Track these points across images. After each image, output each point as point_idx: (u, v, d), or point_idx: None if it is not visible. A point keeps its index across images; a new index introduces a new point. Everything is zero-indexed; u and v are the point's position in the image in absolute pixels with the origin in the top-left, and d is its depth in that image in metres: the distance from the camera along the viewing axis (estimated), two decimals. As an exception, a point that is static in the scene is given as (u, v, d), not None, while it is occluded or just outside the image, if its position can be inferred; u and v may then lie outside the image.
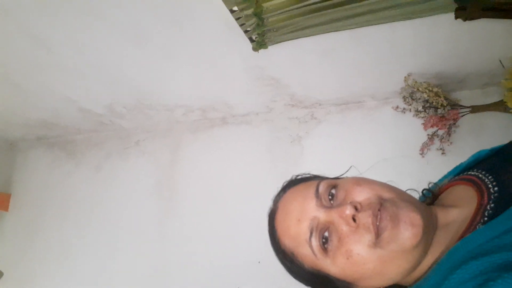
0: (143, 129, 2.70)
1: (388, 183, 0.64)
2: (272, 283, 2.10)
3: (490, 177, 0.63)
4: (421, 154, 2.02)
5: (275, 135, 2.37)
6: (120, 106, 2.46)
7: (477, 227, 0.56)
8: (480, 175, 0.65)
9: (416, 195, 0.73)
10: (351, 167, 0.78)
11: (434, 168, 1.96)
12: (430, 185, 0.76)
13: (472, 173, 0.68)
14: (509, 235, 0.52)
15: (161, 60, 1.95)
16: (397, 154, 2.03)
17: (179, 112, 2.49)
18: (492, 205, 0.58)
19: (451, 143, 2.00)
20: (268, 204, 0.73)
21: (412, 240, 0.54)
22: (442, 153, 2.00)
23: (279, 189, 0.72)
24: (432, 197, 0.73)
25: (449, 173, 0.78)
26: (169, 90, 2.25)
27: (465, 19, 1.58)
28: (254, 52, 1.76)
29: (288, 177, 0.75)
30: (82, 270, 2.54)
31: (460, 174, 0.73)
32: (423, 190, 0.75)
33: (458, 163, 0.78)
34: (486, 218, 0.57)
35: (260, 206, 2.29)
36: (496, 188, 0.60)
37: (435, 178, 0.80)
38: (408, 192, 0.67)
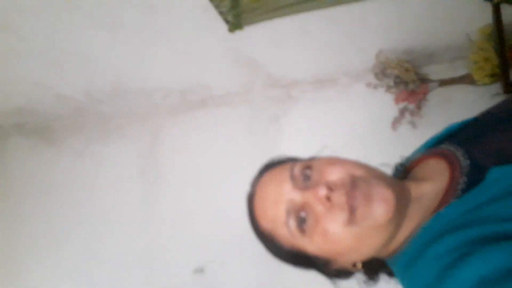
0: (122, 113, 2.69)
1: (361, 160, 0.67)
2: (257, 257, 2.17)
3: (461, 150, 0.64)
4: (393, 128, 2.10)
5: (254, 114, 2.41)
6: (97, 91, 2.45)
7: (451, 201, 0.58)
8: (452, 148, 0.66)
9: (389, 170, 0.76)
10: (324, 147, 0.80)
11: (406, 142, 2.03)
12: (402, 159, 0.78)
13: (444, 146, 0.69)
14: (483, 208, 0.53)
15: (136, 43, 1.95)
16: (370, 130, 2.11)
17: (157, 95, 2.49)
18: (464, 178, 0.59)
19: (421, 116, 2.07)
20: (248, 181, 0.76)
21: (385, 216, 0.56)
22: (413, 127, 2.08)
23: (257, 172, 0.75)
24: (404, 171, 0.75)
25: (422, 146, 0.80)
26: (146, 73, 2.25)
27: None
28: (230, 33, 1.79)
29: (269, 155, 0.78)
30: (68, 259, 2.55)
31: (432, 147, 0.74)
32: (396, 164, 0.77)
33: (428, 136, 0.80)
34: (459, 192, 0.58)
35: (241, 184, 2.34)
36: (467, 161, 0.61)
37: (407, 152, 0.82)
38: (381, 166, 0.70)
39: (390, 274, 0.68)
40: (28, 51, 2.03)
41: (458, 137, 0.69)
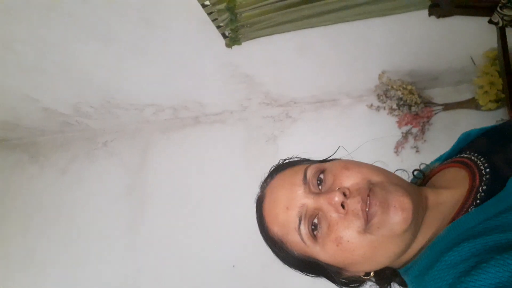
0: (111, 129, 2.60)
1: (377, 164, 0.63)
2: (247, 286, 2.06)
3: (482, 159, 0.62)
4: (395, 152, 2.02)
5: (250, 134, 2.32)
6: (87, 105, 2.35)
7: (469, 209, 0.56)
8: (473, 157, 0.64)
9: (406, 176, 0.72)
10: (339, 147, 0.76)
11: (409, 167, 1.97)
12: (421, 166, 0.75)
13: (464, 155, 0.67)
14: (500, 217, 0.52)
15: (129, 57, 1.88)
16: (371, 153, 2.02)
17: (148, 111, 2.40)
18: (484, 187, 0.57)
19: (424, 141, 2.00)
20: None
21: (402, 225, 0.54)
22: (416, 151, 2.00)
23: (266, 174, 0.70)
24: (423, 178, 0.72)
25: (441, 156, 0.77)
26: (138, 88, 2.17)
27: (438, 16, 1.58)
28: (227, 48, 1.71)
29: (263, 177, 0.71)
30: (48, 280, 2.42)
31: (451, 156, 0.73)
32: (414, 171, 0.74)
33: (437, 157, 0.77)
34: (478, 201, 0.56)
35: (234, 208, 2.24)
36: (488, 170, 0.60)
37: (410, 176, 0.77)
38: (398, 172, 0.66)
39: (402, 284, 0.66)
40: (17, 63, 1.96)
41: (478, 145, 0.68)
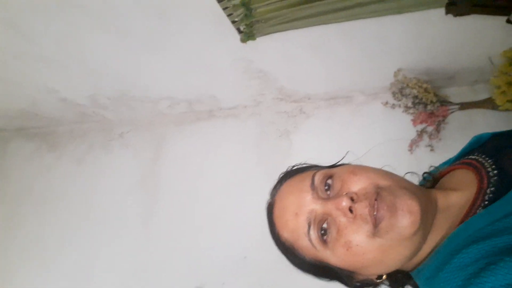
0: (127, 121, 2.63)
1: (385, 168, 0.63)
2: (258, 279, 2.08)
3: (489, 161, 0.63)
4: (409, 150, 2.00)
5: (263, 129, 2.33)
6: (103, 97, 2.39)
7: (478, 211, 0.57)
8: (480, 159, 0.65)
9: (416, 178, 0.73)
10: (347, 152, 0.77)
11: (423, 165, 1.95)
12: (431, 169, 0.76)
13: (472, 157, 0.68)
14: (509, 218, 0.52)
15: (145, 51, 1.89)
16: (386, 151, 2.01)
17: (164, 104, 2.43)
18: (492, 189, 0.58)
19: (440, 139, 1.98)
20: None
21: (411, 228, 0.54)
22: (431, 150, 1.98)
23: (276, 181, 0.71)
24: (432, 180, 0.73)
25: (450, 159, 0.78)
26: (153, 81, 2.19)
27: (455, 15, 1.55)
28: (242, 43, 1.72)
29: (277, 171, 0.73)
30: (62, 267, 2.47)
31: (461, 158, 0.73)
32: (424, 173, 0.75)
33: (446, 160, 0.77)
34: (486, 202, 0.57)
35: (246, 201, 2.25)
36: (495, 172, 0.60)
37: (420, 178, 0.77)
38: (408, 175, 0.67)
39: (415, 286, 0.65)
40: (36, 54, 2.00)
41: (488, 147, 0.69)
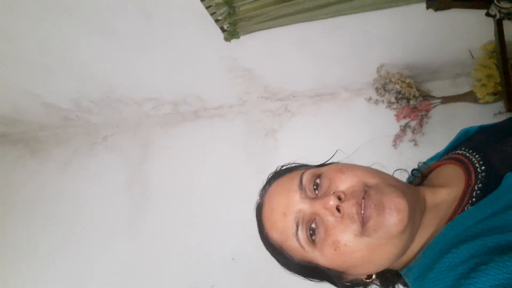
0: (111, 124, 2.61)
1: (374, 166, 0.63)
2: (246, 280, 2.08)
3: (477, 156, 0.62)
4: (393, 145, 2.03)
5: (249, 128, 2.33)
6: (87, 100, 2.36)
7: (466, 208, 0.56)
8: (467, 154, 0.64)
9: (406, 175, 0.73)
10: (337, 151, 0.76)
11: (407, 160, 1.97)
12: (419, 165, 0.75)
13: (460, 151, 0.67)
14: (498, 217, 0.51)
15: (129, 51, 1.88)
16: (370, 147, 2.03)
17: (148, 105, 2.41)
18: (479, 185, 0.57)
19: (423, 134, 2.01)
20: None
21: (398, 226, 0.54)
22: (415, 144, 2.01)
23: (264, 182, 0.71)
24: (421, 177, 0.72)
25: (438, 154, 0.77)
26: (138, 82, 2.17)
27: (436, 9, 1.58)
28: (226, 42, 1.72)
29: (264, 171, 0.72)
30: (53, 274, 2.44)
31: (448, 152, 0.73)
32: (413, 170, 0.74)
33: (430, 154, 0.77)
34: (474, 199, 0.56)
35: (234, 201, 2.25)
36: (483, 167, 0.59)
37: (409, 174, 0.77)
38: (397, 172, 0.67)
39: (406, 285, 0.65)
40: (18, 57, 1.96)
41: (475, 141, 0.68)
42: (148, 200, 2.41)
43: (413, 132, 2.01)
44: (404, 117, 1.99)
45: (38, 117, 2.58)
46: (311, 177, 0.62)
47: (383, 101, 2.03)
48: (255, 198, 0.70)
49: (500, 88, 1.86)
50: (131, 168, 2.49)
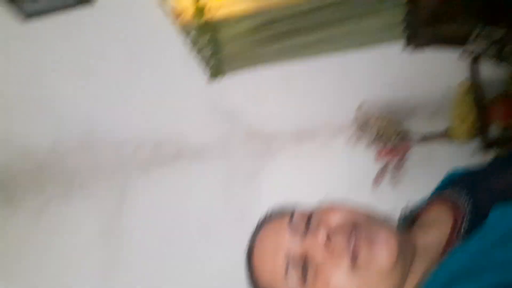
0: (88, 168, 2.54)
1: (364, 205, 0.63)
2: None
3: (463, 193, 0.63)
4: (374, 185, 2.03)
5: (231, 170, 2.31)
6: (63, 142, 2.31)
7: (454, 247, 0.56)
8: (454, 193, 0.66)
9: (396, 216, 0.72)
10: (326, 194, 0.76)
11: (388, 200, 1.96)
12: (411, 207, 0.75)
13: (447, 192, 0.68)
14: (487, 253, 0.52)
15: (108, 90, 1.88)
16: (351, 187, 2.04)
17: (129, 147, 2.38)
18: (466, 223, 0.58)
19: (402, 174, 2.03)
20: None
21: (389, 259, 0.54)
22: (395, 184, 2.02)
23: (255, 227, 0.70)
24: (411, 218, 0.72)
25: (431, 193, 0.77)
26: (117, 123, 2.16)
27: (415, 47, 1.64)
28: (210, 80, 1.73)
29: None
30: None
31: (436, 193, 0.73)
32: (402, 212, 0.74)
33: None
34: (462, 237, 0.57)
35: (215, 248, 2.17)
36: (470, 205, 0.60)
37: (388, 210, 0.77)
38: (387, 212, 0.67)
39: None
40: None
41: (462, 182, 0.69)
42: (124, 250, 2.32)
43: (393, 172, 2.02)
44: (384, 157, 2.00)
45: (10, 162, 2.50)
46: (301, 216, 0.62)
47: (363, 141, 2.05)
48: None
49: (476, 126, 1.91)
50: (108, 216, 2.41)
